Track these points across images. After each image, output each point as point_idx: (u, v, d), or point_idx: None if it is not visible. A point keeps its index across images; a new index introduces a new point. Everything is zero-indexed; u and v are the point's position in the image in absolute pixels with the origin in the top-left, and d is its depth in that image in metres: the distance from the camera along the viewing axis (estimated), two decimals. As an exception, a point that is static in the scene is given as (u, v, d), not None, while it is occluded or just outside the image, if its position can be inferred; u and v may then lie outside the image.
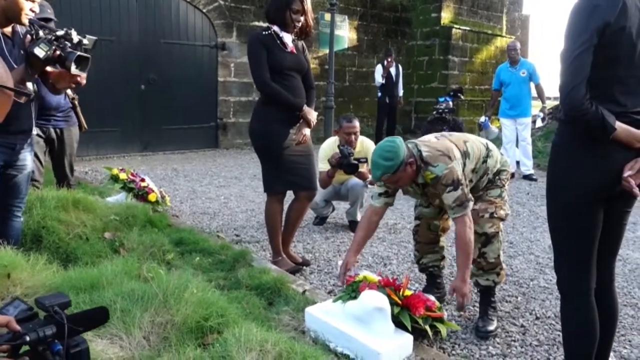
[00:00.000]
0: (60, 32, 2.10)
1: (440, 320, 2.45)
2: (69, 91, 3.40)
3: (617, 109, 1.72)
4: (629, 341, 2.59)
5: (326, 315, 2.41)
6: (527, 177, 6.92)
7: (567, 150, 1.82)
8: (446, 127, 5.63)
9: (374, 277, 2.57)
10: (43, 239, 2.96)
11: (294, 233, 3.53)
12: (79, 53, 2.07)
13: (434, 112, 5.78)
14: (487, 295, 2.72)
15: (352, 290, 2.52)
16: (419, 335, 2.40)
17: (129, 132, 8.42)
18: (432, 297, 2.53)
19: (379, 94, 9.68)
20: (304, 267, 3.43)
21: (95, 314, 1.28)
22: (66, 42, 2.09)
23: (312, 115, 3.12)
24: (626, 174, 1.72)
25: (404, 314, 2.34)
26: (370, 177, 4.19)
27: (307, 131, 3.14)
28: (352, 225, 4.43)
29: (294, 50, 3.13)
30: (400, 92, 10.00)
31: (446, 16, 11.96)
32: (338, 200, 4.58)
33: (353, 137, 4.20)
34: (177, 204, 5.19)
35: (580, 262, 1.85)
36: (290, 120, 3.08)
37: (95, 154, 7.94)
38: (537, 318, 2.81)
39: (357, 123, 4.26)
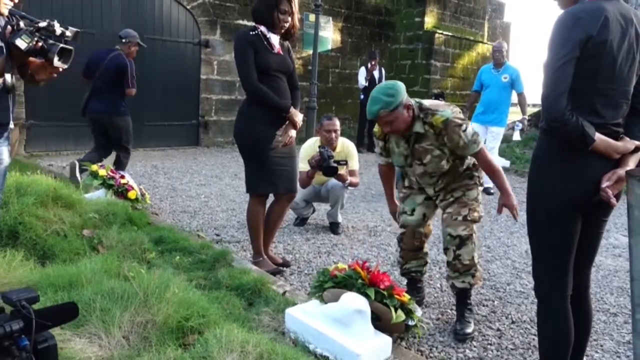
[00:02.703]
0: (42, 24, 2.06)
1: (408, 305, 2.41)
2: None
3: (597, 121, 1.77)
4: (601, 346, 2.66)
5: (306, 317, 2.42)
6: (485, 191, 6.27)
7: (548, 160, 1.86)
8: None
9: (343, 265, 2.58)
10: (20, 235, 2.91)
11: (274, 234, 3.53)
12: (61, 45, 2.03)
13: None
14: (463, 298, 2.77)
15: (322, 280, 2.53)
16: (396, 337, 2.43)
17: (109, 128, 8.29)
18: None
19: (362, 96, 9.72)
20: (285, 268, 3.43)
21: (64, 309, 1.26)
22: (49, 34, 2.06)
23: (298, 117, 3.13)
24: (604, 184, 1.77)
25: (370, 289, 2.33)
26: (349, 179, 4.21)
27: (292, 132, 3.15)
28: (333, 226, 4.45)
29: (281, 52, 3.13)
30: (383, 95, 10.05)
31: (429, 21, 12.08)
32: (318, 201, 4.59)
33: (333, 135, 4.23)
34: (156, 201, 5.15)
35: (558, 269, 1.89)
36: (276, 122, 3.08)
37: (74, 149, 7.81)
38: (513, 322, 2.86)
39: (337, 122, 4.30)
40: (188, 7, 8.92)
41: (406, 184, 2.98)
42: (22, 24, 2.08)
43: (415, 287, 3.05)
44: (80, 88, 5.54)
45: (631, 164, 1.81)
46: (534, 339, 2.64)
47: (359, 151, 10.01)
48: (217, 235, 4.17)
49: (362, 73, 9.68)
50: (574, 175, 1.81)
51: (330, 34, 11.09)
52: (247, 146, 3.14)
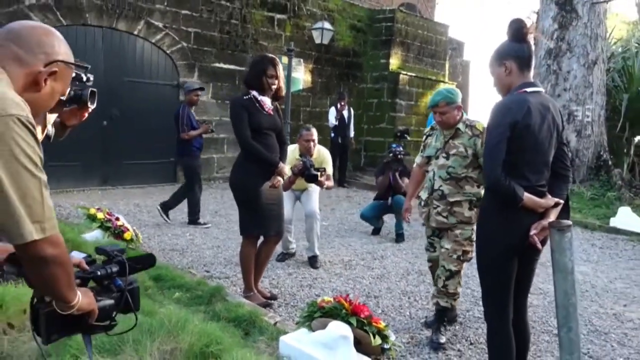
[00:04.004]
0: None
1: (383, 331, 2.89)
2: None
3: (525, 183, 2.32)
4: (543, 362, 3.17)
5: (298, 343, 2.85)
6: None
7: (491, 213, 2.40)
8: (400, 168, 6.22)
9: (329, 298, 3.06)
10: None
11: (263, 271, 3.98)
12: (91, 88, 2.32)
13: (390, 155, 6.38)
14: (442, 314, 3.40)
15: (311, 310, 2.99)
16: (374, 359, 2.88)
17: (90, 167, 8.62)
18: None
19: (332, 134, 10.31)
20: (273, 301, 3.86)
21: (146, 259, 1.60)
22: (76, 81, 2.32)
23: (286, 170, 3.63)
24: (532, 232, 2.31)
25: (352, 318, 2.82)
26: (326, 183, 4.69)
27: (279, 178, 3.63)
28: (312, 260, 4.91)
29: (271, 112, 3.64)
30: (352, 134, 10.69)
31: (394, 62, 12.88)
32: (297, 202, 5.08)
33: (312, 144, 4.82)
34: (145, 240, 5.49)
35: (501, 299, 2.42)
36: (267, 174, 3.57)
37: (55, 188, 8.05)
38: (471, 343, 3.36)
39: (314, 132, 4.91)
40: (168, 51, 9.40)
41: (423, 198, 3.51)
42: None
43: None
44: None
45: (552, 216, 2.37)
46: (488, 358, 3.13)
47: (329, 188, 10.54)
48: (207, 272, 4.57)
49: (332, 113, 10.30)
50: (509, 225, 2.35)
51: (301, 75, 11.71)
52: (241, 195, 3.61)
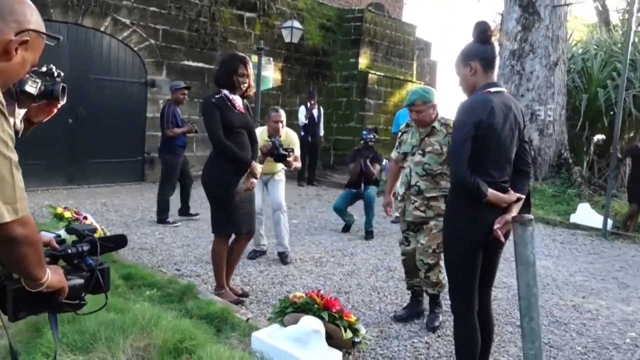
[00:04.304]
0: (43, 69, 2.30)
1: (354, 325, 2.96)
2: None
3: (489, 180, 2.42)
4: (507, 351, 3.30)
5: (270, 338, 2.89)
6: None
7: (457, 210, 2.49)
8: (372, 154, 6.31)
9: (300, 293, 3.11)
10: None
11: (234, 269, 4.00)
12: (62, 84, 2.30)
13: (361, 142, 6.48)
14: (434, 299, 3.63)
15: (283, 306, 3.04)
16: (345, 352, 2.95)
17: (54, 165, 8.43)
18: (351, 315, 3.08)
19: (302, 133, 10.35)
20: (244, 298, 3.89)
21: (118, 238, 1.63)
22: (47, 77, 2.29)
23: (258, 168, 3.66)
24: (495, 226, 2.41)
25: (324, 312, 2.88)
26: (294, 164, 4.78)
27: (253, 180, 3.66)
28: (282, 256, 4.97)
29: (242, 110, 3.66)
30: (322, 132, 10.76)
31: (363, 62, 13.01)
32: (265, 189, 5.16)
33: (280, 124, 4.91)
34: (114, 239, 5.43)
35: (467, 291, 2.51)
36: (239, 172, 3.59)
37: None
38: (439, 336, 3.46)
39: (282, 113, 5.00)
40: (135, 48, 9.28)
41: (400, 193, 3.64)
42: None
43: (416, 299, 3.79)
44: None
45: (515, 211, 2.47)
46: (454, 349, 3.24)
47: (299, 185, 10.60)
48: (178, 270, 4.56)
49: (302, 111, 10.35)
50: (475, 220, 2.44)
51: (271, 74, 11.70)
52: (214, 193, 3.62)
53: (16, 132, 1.87)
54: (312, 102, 10.29)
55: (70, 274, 1.43)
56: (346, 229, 6.46)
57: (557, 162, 9.74)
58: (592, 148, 11.42)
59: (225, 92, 3.61)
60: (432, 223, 3.48)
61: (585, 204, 7.81)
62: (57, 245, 1.48)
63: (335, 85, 13.22)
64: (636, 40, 10.15)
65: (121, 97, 9.15)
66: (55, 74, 2.13)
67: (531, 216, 2.40)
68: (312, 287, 4.27)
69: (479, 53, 2.47)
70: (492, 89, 2.45)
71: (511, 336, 3.53)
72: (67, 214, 4.57)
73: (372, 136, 6.46)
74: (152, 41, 9.50)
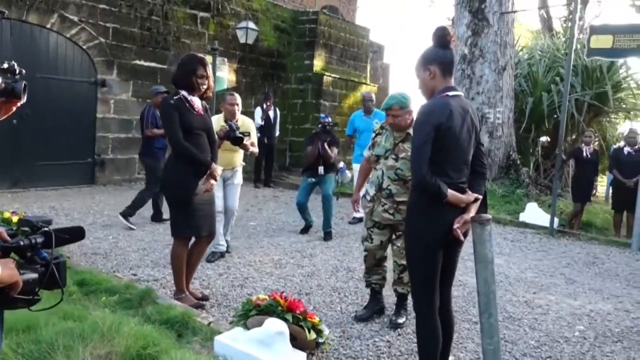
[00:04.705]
0: (4, 66, 2.22)
1: (318, 326, 2.99)
2: None
3: (448, 181, 2.49)
4: (465, 347, 3.40)
5: (233, 342, 2.88)
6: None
7: (418, 209, 2.54)
8: (329, 138, 6.33)
9: (264, 295, 3.11)
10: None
11: (194, 272, 3.94)
12: (24, 82, 2.21)
13: (319, 125, 6.50)
14: (402, 299, 3.75)
15: (247, 308, 3.02)
16: (309, 353, 2.96)
17: (-2, 168, 8.05)
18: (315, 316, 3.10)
19: (258, 134, 10.28)
20: (205, 302, 3.84)
21: (74, 230, 1.54)
22: (7, 74, 2.21)
23: (218, 170, 3.62)
24: (455, 226, 2.49)
25: (288, 314, 2.89)
26: (251, 149, 4.85)
27: (213, 182, 3.62)
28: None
29: (201, 112, 3.61)
30: (277, 133, 10.74)
31: (318, 64, 13.06)
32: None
33: (236, 107, 4.94)
34: (64, 244, 5.24)
35: (429, 289, 2.57)
36: (198, 174, 3.54)
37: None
38: (399, 334, 3.53)
39: (238, 97, 5.06)
40: (84, 47, 8.98)
41: (370, 194, 3.70)
42: None
43: (375, 297, 3.88)
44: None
45: (473, 211, 2.56)
46: (415, 346, 3.30)
47: (256, 186, 10.53)
48: (134, 275, 4.45)
49: (258, 113, 10.29)
50: (435, 220, 2.51)
51: (225, 74, 11.54)
52: (174, 195, 3.56)
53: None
54: (269, 104, 10.26)
55: (23, 267, 1.36)
56: (305, 230, 6.47)
57: (506, 163, 10.10)
58: (538, 149, 11.90)
59: (184, 93, 3.56)
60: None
61: (533, 204, 8.14)
62: (8, 238, 1.41)
63: (290, 86, 13.22)
64: (578, 47, 10.67)
65: (69, 97, 8.83)
66: (17, 71, 2.08)
67: (489, 216, 2.49)
68: (273, 289, 4.25)
69: (438, 57, 2.54)
70: (451, 93, 2.53)
71: (468, 332, 3.64)
72: (15, 219, 4.38)
73: (329, 120, 6.50)
74: (102, 39, 9.22)
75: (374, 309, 3.85)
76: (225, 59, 11.50)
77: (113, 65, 9.43)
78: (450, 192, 2.46)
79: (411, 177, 2.55)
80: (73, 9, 8.77)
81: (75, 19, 8.81)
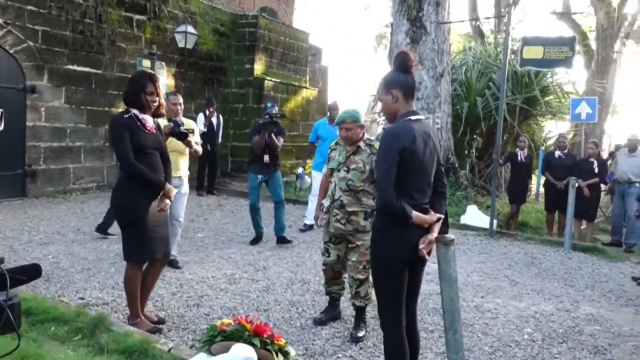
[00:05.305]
0: None
1: (284, 348, 2.98)
2: None
3: (412, 202, 2.55)
4: (425, 357, 3.49)
5: (199, 369, 2.81)
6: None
7: (383, 232, 2.59)
8: (276, 129, 6.29)
9: (228, 320, 3.06)
10: None
11: (148, 296, 3.80)
12: (1, 109, 2.05)
13: (266, 116, 6.41)
14: (360, 312, 3.82)
15: (211, 334, 2.96)
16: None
17: None
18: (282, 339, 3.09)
19: (201, 141, 10.07)
20: (161, 326, 3.72)
21: (30, 268, 1.47)
22: None
23: (173, 192, 3.51)
24: (420, 246, 2.55)
25: (255, 339, 2.86)
26: (195, 147, 4.92)
27: (167, 201, 3.51)
28: (173, 263, 5.09)
29: (153, 130, 3.50)
30: (219, 140, 10.58)
31: (258, 68, 12.97)
32: None
33: (178, 107, 4.99)
34: None
35: (396, 307, 2.62)
36: (152, 195, 3.42)
37: None
38: (361, 348, 3.57)
39: (180, 97, 5.10)
40: (11, 51, 8.45)
41: (326, 206, 3.84)
42: None
43: (333, 304, 4.05)
44: None
45: (436, 230, 2.64)
46: (378, 359, 3.38)
47: (199, 194, 10.31)
48: (82, 299, 4.23)
49: (200, 119, 10.07)
50: (400, 240, 2.56)
51: (164, 79, 11.25)
52: (126, 218, 3.41)
53: None
54: (211, 110, 10.08)
55: None
56: (255, 241, 6.41)
57: (445, 166, 10.39)
58: (473, 152, 12.39)
59: (135, 111, 3.43)
60: (359, 242, 3.69)
61: (473, 206, 8.48)
62: None
63: (230, 91, 13.05)
64: (512, 56, 11.21)
65: (-4, 105, 8.27)
66: None
67: (452, 236, 2.57)
68: (230, 307, 4.20)
69: (400, 82, 2.60)
70: (413, 117, 2.60)
71: (426, 342, 3.73)
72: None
73: (276, 111, 6.46)
74: (31, 43, 8.72)
75: (331, 314, 4.01)
76: (164, 63, 11.18)
77: (43, 70, 8.93)
78: (415, 214, 2.52)
79: (376, 200, 2.60)
80: (-2, 11, 8.23)
81: (1, 21, 8.27)
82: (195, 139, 4.95)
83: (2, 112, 1.91)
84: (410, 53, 2.67)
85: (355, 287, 3.76)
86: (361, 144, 3.75)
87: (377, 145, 3.73)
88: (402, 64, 2.62)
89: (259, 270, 5.27)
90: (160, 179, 3.46)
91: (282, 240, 6.31)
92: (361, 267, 3.71)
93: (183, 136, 4.58)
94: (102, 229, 6.29)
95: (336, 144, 3.97)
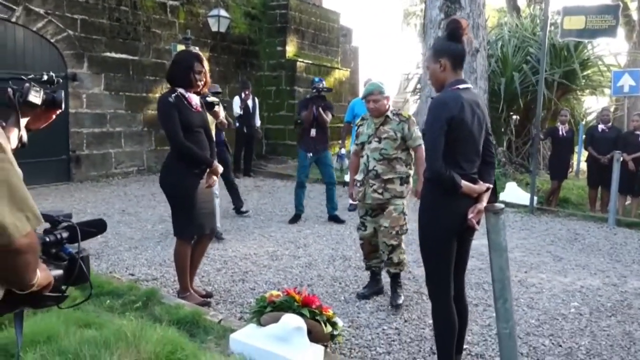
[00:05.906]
0: (45, 77, 2.17)
1: (332, 319, 3.04)
2: None
3: (461, 172, 2.54)
4: (470, 330, 3.49)
5: (249, 339, 2.89)
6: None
7: (432, 200, 2.60)
8: (323, 103, 6.31)
9: (277, 292, 3.14)
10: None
11: (196, 270, 3.92)
12: (62, 91, 2.16)
13: (313, 90, 6.42)
14: (396, 278, 3.89)
15: (261, 305, 3.05)
16: (325, 345, 3.01)
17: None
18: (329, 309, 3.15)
19: (237, 124, 10.20)
20: (210, 299, 3.83)
21: (97, 223, 1.52)
22: (47, 84, 2.17)
23: (220, 169, 3.59)
24: (470, 215, 2.55)
25: (304, 309, 2.93)
26: (221, 117, 4.90)
27: (215, 178, 3.60)
28: (217, 235, 5.12)
29: (199, 109, 3.57)
30: (258, 123, 10.65)
31: (290, 50, 12.97)
32: None
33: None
34: (52, 246, 5.12)
35: (444, 277, 2.63)
36: (200, 173, 3.50)
37: None
38: (406, 321, 3.60)
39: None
40: (52, 40, 8.68)
41: (360, 177, 3.88)
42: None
43: (375, 278, 4.08)
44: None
45: (485, 200, 2.62)
46: (423, 332, 3.40)
47: (236, 176, 10.46)
48: (132, 275, 4.39)
49: (236, 102, 10.16)
50: (449, 210, 2.56)
51: (198, 64, 11.40)
52: (176, 196, 3.51)
53: (23, 143, 1.87)
54: (247, 93, 10.14)
55: (48, 264, 1.31)
56: (294, 220, 6.48)
57: (482, 144, 10.27)
58: (510, 129, 12.15)
59: (181, 90, 3.50)
60: (391, 207, 3.74)
61: (512, 183, 8.35)
62: None
63: (263, 74, 13.11)
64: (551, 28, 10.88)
65: (40, 93, 8.53)
66: (55, 81, 2.01)
67: (502, 205, 2.55)
68: (274, 282, 4.28)
69: (449, 51, 2.57)
70: (461, 86, 2.57)
71: (471, 315, 3.68)
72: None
73: (323, 84, 6.47)
74: (70, 32, 8.94)
75: (374, 289, 4.06)
76: (197, 48, 11.31)
77: (83, 58, 9.16)
78: (464, 183, 2.51)
79: (426, 170, 2.60)
80: (38, 1, 8.45)
81: (41, 11, 8.50)
82: (221, 115, 4.93)
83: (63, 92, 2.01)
84: (462, 21, 2.62)
85: (388, 253, 3.78)
86: (389, 113, 3.84)
87: (405, 113, 3.87)
88: (452, 32, 2.58)
89: (300, 248, 5.34)
90: (208, 156, 3.53)
91: (335, 219, 6.37)
92: (394, 232, 3.74)
93: (210, 106, 4.48)
94: (238, 210, 6.76)
95: (362, 119, 4.03)
